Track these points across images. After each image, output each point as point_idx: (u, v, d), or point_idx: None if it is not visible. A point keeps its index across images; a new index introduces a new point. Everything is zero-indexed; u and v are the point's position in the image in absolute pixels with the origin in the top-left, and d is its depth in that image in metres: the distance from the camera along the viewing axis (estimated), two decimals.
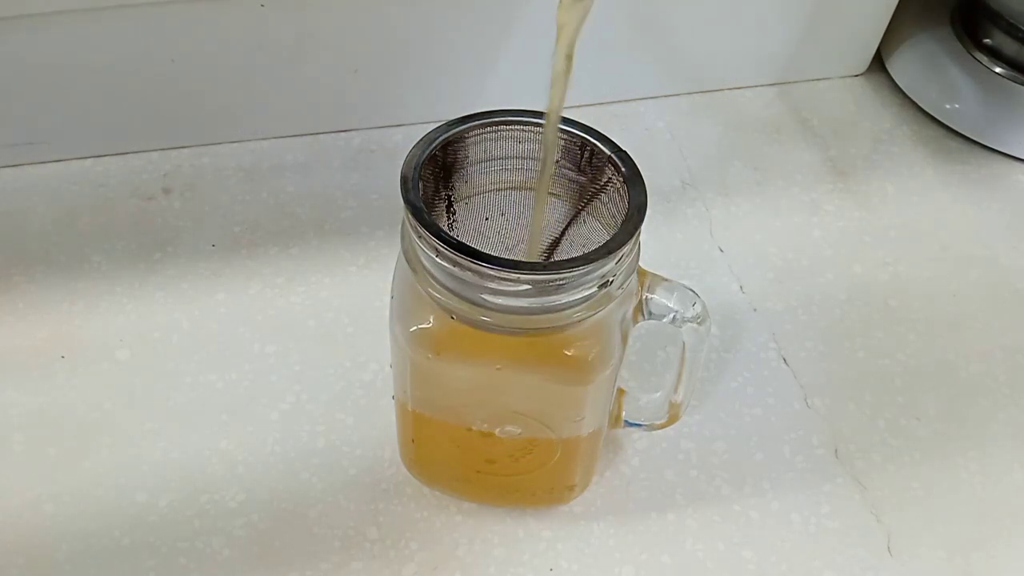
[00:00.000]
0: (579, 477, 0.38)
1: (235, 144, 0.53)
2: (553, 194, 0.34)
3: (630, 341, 0.34)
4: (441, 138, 0.31)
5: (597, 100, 0.57)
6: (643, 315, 0.34)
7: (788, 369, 0.45)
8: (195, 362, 0.43)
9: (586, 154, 0.32)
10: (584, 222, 0.34)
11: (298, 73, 0.51)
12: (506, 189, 0.34)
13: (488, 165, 0.33)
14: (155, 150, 0.52)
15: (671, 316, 0.34)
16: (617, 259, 0.30)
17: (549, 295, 0.29)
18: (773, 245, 0.50)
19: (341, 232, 0.49)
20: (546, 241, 0.35)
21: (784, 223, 0.52)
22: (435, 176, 0.32)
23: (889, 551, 0.39)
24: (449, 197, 0.33)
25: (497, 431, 0.35)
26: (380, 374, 0.43)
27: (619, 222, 0.30)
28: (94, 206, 0.49)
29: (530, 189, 0.34)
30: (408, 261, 0.31)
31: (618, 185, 0.31)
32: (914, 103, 0.58)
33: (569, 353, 0.31)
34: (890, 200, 0.53)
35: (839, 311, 0.47)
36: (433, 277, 0.30)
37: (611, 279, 0.30)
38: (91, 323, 0.44)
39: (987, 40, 0.58)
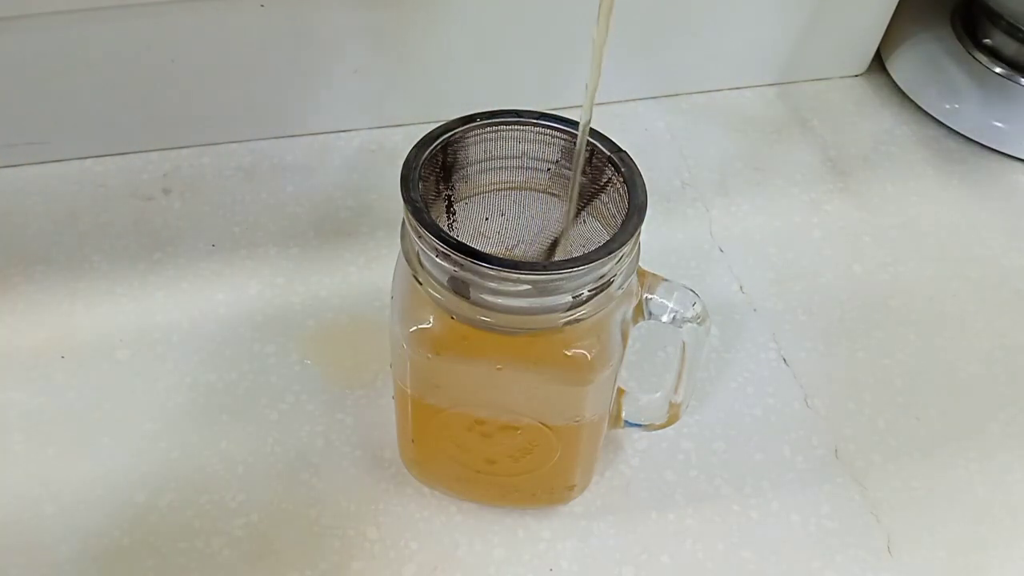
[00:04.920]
0: (579, 477, 0.38)
1: (235, 144, 0.53)
2: (553, 194, 0.34)
3: (630, 341, 0.34)
4: (441, 138, 0.31)
5: (597, 100, 0.57)
6: (643, 315, 0.34)
7: (788, 369, 0.45)
8: (195, 362, 0.43)
9: (586, 154, 0.32)
10: (584, 222, 0.34)
11: (298, 73, 0.51)
12: (506, 189, 0.34)
13: (488, 165, 0.33)
14: (155, 150, 0.52)
15: (671, 316, 0.34)
16: (617, 259, 0.30)
17: (549, 295, 0.29)
18: (773, 245, 0.50)
19: (341, 232, 0.49)
20: (546, 241, 0.35)
21: (784, 223, 0.52)
22: (435, 176, 0.32)
23: (889, 551, 0.39)
24: (449, 197, 0.33)
25: (497, 431, 0.35)
26: (380, 374, 0.43)
27: (619, 222, 0.30)
28: (94, 206, 0.49)
29: (530, 189, 0.34)
30: (408, 261, 0.31)
31: (618, 185, 0.31)
32: (914, 103, 0.58)
33: (569, 353, 0.31)
34: (890, 200, 0.53)
35: (839, 311, 0.47)
36: (433, 277, 0.30)
37: (611, 279, 0.30)
38: (91, 323, 0.44)
39: (987, 40, 0.58)
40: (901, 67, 0.60)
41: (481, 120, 0.32)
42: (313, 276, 0.47)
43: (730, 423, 0.43)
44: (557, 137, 0.32)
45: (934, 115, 0.57)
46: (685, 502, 0.40)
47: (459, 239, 0.29)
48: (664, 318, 0.34)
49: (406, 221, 0.30)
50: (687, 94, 0.58)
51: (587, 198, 0.33)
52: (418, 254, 0.30)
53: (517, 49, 0.53)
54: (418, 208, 0.29)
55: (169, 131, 0.52)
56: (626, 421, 0.39)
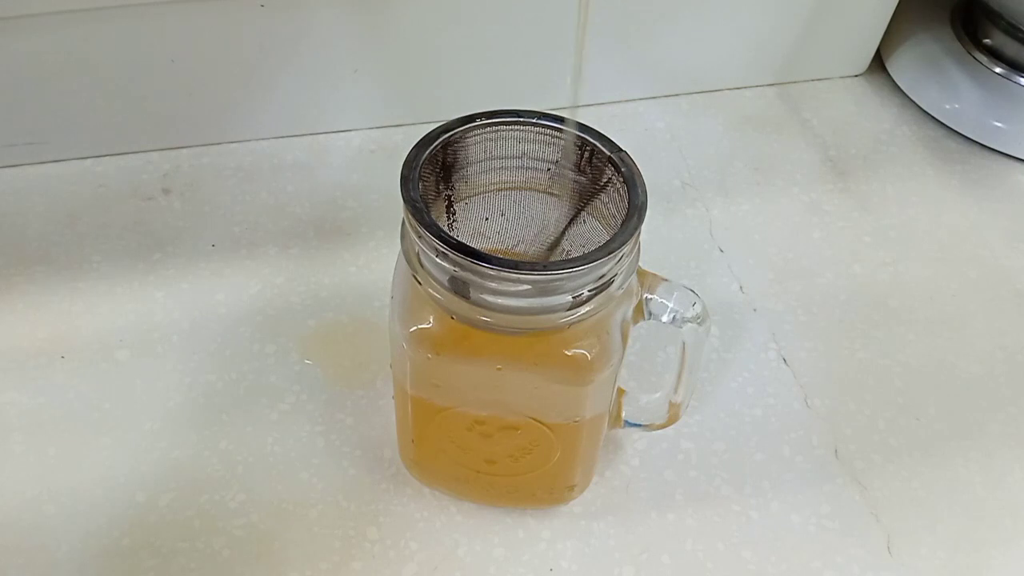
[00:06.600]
0: (579, 477, 0.38)
1: (235, 144, 0.53)
2: (553, 194, 0.34)
3: (630, 341, 0.34)
4: (441, 138, 0.31)
5: (597, 100, 0.57)
6: (643, 315, 0.34)
7: (788, 369, 0.45)
8: (195, 362, 0.43)
9: (586, 154, 0.32)
10: (584, 222, 0.34)
11: (298, 73, 0.51)
12: (506, 189, 0.34)
13: (488, 165, 0.33)
14: (155, 150, 0.52)
15: (671, 316, 0.34)
16: (617, 259, 0.30)
17: (549, 295, 0.29)
18: (773, 245, 0.50)
19: (341, 232, 0.49)
20: (546, 241, 0.35)
21: (784, 223, 0.52)
22: (435, 176, 0.32)
23: (889, 551, 0.39)
24: (449, 197, 0.33)
25: (497, 431, 0.35)
26: (380, 374, 0.43)
27: (619, 222, 0.30)
28: (94, 206, 0.49)
29: (530, 189, 0.34)
30: (408, 261, 0.31)
31: (618, 185, 0.31)
32: (914, 103, 0.58)
33: (569, 353, 0.31)
34: (890, 200, 0.53)
35: (839, 311, 0.47)
36: (433, 277, 0.30)
37: (611, 279, 0.30)
38: (91, 323, 0.44)
39: (987, 40, 0.58)
40: (901, 67, 0.60)
41: (481, 120, 0.32)
42: (313, 276, 0.47)
43: (730, 423, 0.43)
44: (557, 137, 0.32)
45: (934, 115, 0.57)
46: (685, 502, 0.40)
47: (459, 239, 0.29)
48: (664, 318, 0.34)
49: (406, 221, 0.30)
50: (687, 94, 0.58)
51: (587, 198, 0.33)
52: (418, 254, 0.30)
53: (517, 49, 0.53)
54: (418, 208, 0.29)
55: (169, 131, 0.52)
56: (626, 421, 0.39)
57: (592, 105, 0.57)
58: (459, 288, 0.30)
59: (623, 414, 0.39)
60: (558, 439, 0.35)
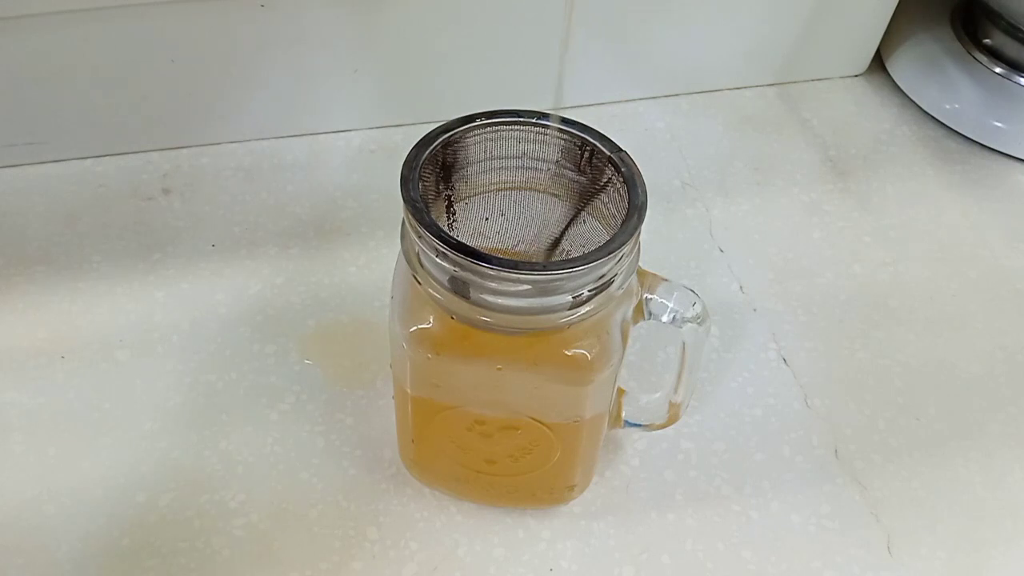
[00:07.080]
0: (579, 477, 0.38)
1: (235, 144, 0.53)
2: (553, 194, 0.34)
3: (630, 341, 0.34)
4: (441, 138, 0.31)
5: (597, 100, 0.57)
6: (643, 315, 0.34)
7: (788, 369, 0.45)
8: (195, 362, 0.43)
9: (586, 154, 0.32)
10: (584, 222, 0.34)
11: (298, 73, 0.51)
12: (506, 189, 0.34)
13: (488, 165, 0.33)
14: (155, 150, 0.52)
15: (671, 316, 0.34)
16: (617, 259, 0.30)
17: (549, 295, 0.29)
18: (773, 245, 0.50)
19: (341, 232, 0.49)
20: (546, 241, 0.35)
21: (784, 223, 0.52)
22: (435, 176, 0.32)
23: (889, 551, 0.39)
24: (449, 197, 0.33)
25: (497, 431, 0.35)
26: (380, 374, 0.43)
27: (619, 222, 0.30)
28: (94, 206, 0.49)
29: (530, 189, 0.34)
30: (408, 261, 0.31)
31: (618, 185, 0.31)
32: (914, 103, 0.58)
33: (569, 353, 0.31)
34: (890, 200, 0.53)
35: (839, 311, 0.47)
36: (433, 277, 0.30)
37: (611, 279, 0.30)
38: (91, 323, 0.44)
39: (987, 40, 0.58)
40: (901, 67, 0.60)
41: (481, 120, 0.32)
42: (313, 276, 0.47)
43: (730, 423, 0.43)
44: (557, 137, 0.32)
45: (934, 115, 0.57)
46: (685, 502, 0.40)
47: (459, 239, 0.29)
48: (664, 318, 0.34)
49: (406, 221, 0.30)
50: (687, 94, 0.58)
51: (587, 198, 0.33)
52: (418, 254, 0.30)
53: (516, 50, 0.53)
54: (418, 208, 0.29)
55: (169, 131, 0.52)
56: (626, 421, 0.39)
57: (592, 105, 0.57)
58: (459, 288, 0.30)
59: (623, 414, 0.39)
60: (558, 439, 0.35)
